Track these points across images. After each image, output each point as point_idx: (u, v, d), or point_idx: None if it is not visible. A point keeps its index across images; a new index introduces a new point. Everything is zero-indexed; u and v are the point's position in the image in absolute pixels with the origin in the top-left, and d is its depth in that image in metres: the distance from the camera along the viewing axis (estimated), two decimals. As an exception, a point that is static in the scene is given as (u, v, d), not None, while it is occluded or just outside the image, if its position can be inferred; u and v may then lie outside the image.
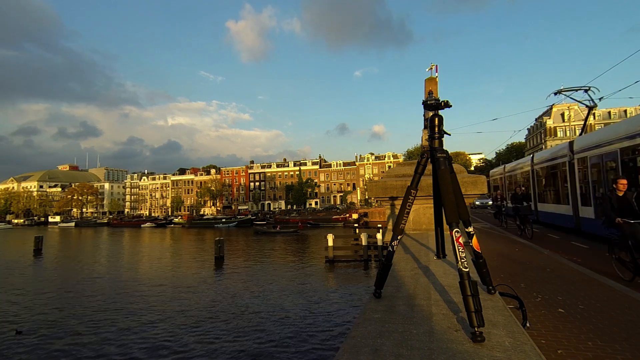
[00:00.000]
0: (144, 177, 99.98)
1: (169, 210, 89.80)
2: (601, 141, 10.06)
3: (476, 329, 1.19)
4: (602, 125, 49.83)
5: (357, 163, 79.19)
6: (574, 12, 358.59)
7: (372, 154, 79.90)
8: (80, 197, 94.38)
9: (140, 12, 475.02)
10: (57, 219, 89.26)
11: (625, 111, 56.99)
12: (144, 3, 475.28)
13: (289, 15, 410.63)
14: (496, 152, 72.57)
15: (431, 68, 5.68)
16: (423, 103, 1.80)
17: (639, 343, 3.35)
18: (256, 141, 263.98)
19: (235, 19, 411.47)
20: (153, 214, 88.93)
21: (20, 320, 13.01)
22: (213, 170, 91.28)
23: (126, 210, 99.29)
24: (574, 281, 5.69)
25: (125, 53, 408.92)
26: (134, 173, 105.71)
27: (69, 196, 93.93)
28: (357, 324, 1.37)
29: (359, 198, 74.17)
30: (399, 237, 1.71)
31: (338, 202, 77.22)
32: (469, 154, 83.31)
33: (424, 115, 4.71)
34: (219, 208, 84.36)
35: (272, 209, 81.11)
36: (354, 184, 78.05)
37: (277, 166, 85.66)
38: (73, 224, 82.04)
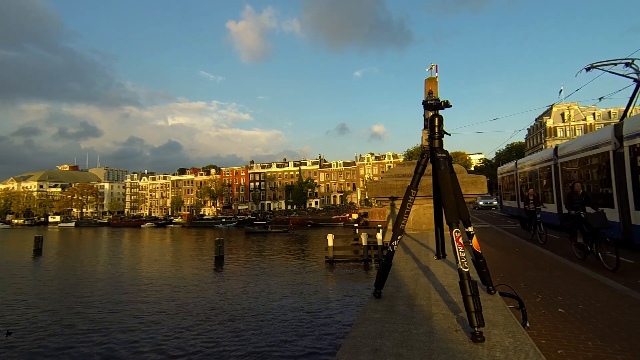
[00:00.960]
0: (144, 177, 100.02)
1: (169, 210, 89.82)
2: None
3: (476, 329, 1.19)
4: (602, 125, 49.52)
5: (357, 163, 79.20)
6: (574, 12, 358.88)
7: (372, 154, 79.94)
8: (80, 197, 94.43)
9: (141, 12, 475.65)
10: (57, 219, 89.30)
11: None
12: (144, 3, 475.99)
13: (289, 16, 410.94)
14: (496, 152, 72.64)
15: (431, 68, 5.68)
16: (423, 103, 1.80)
17: (639, 343, 3.34)
18: (256, 141, 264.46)
19: (236, 20, 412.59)
20: (153, 214, 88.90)
21: (19, 320, 12.99)
22: (213, 170, 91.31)
23: (126, 210, 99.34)
24: (573, 281, 5.69)
25: (126, 53, 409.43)
26: (134, 173, 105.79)
27: (69, 196, 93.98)
28: (357, 324, 1.37)
29: (359, 198, 74.20)
30: (399, 237, 1.71)
31: (338, 202, 77.23)
32: (469, 154, 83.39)
33: (424, 115, 4.71)
34: (219, 208, 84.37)
35: (272, 209, 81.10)
36: (354, 184, 78.07)
37: (277, 166, 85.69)
38: (73, 224, 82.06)
